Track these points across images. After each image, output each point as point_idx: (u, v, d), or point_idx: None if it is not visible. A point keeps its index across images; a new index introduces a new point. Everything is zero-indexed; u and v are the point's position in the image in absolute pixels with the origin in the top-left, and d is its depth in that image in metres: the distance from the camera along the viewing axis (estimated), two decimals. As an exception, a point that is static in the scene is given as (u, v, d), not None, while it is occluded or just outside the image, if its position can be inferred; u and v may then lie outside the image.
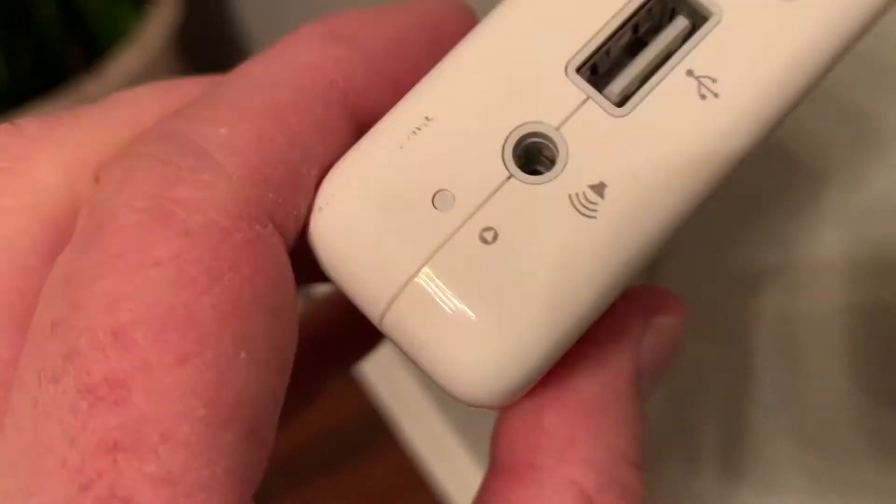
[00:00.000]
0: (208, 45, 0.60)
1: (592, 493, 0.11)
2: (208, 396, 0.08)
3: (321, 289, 0.17)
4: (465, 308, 0.09)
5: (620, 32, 0.10)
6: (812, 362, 0.22)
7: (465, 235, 0.09)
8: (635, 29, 0.10)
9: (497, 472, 0.12)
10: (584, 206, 0.09)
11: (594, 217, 0.09)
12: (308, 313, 0.18)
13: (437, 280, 0.09)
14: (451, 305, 0.09)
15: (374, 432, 0.58)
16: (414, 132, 0.10)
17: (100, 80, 0.43)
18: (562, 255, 0.09)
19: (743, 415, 0.26)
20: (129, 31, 0.46)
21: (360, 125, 0.11)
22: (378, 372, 0.57)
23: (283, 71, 0.10)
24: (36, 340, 0.09)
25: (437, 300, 0.09)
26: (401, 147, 0.10)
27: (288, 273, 0.10)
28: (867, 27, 0.10)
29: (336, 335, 0.18)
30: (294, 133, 0.10)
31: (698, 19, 0.10)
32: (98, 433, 0.08)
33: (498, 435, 0.12)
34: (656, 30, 0.10)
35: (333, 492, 0.56)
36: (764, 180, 0.20)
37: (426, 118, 0.10)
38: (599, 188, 0.09)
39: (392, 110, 0.10)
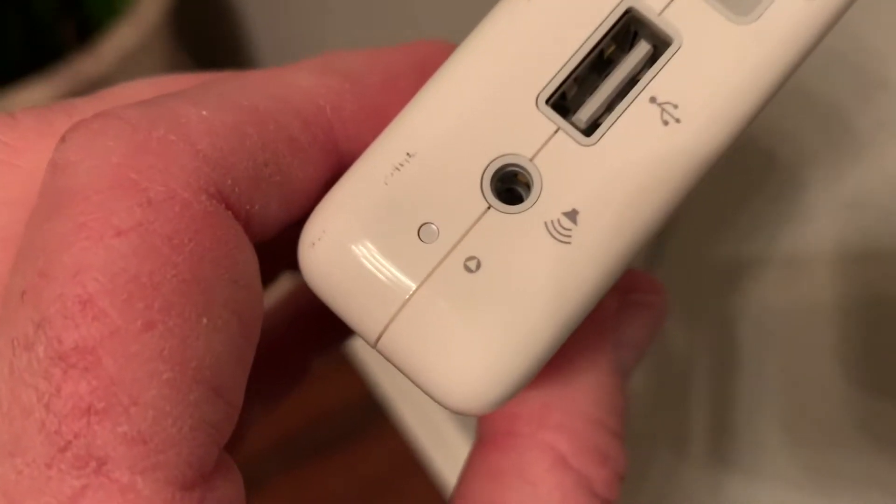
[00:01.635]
0: (202, 23, 0.59)
1: (569, 456, 0.12)
2: (173, 360, 0.09)
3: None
4: (454, 331, 0.10)
5: (587, 61, 0.10)
6: (800, 353, 0.23)
7: (450, 265, 0.10)
8: (601, 52, 0.11)
9: (480, 444, 0.13)
10: (558, 233, 0.10)
11: (568, 242, 0.10)
12: (292, 295, 0.19)
13: (426, 307, 0.10)
14: (441, 330, 0.10)
15: (369, 415, 0.59)
16: (397, 168, 0.10)
17: (93, 57, 0.43)
18: (540, 279, 0.10)
19: (731, 404, 0.27)
20: (123, 7, 0.45)
21: (347, 153, 0.11)
22: (373, 355, 0.58)
23: (275, 87, 0.11)
24: (8, 309, 0.09)
25: (428, 325, 0.10)
26: (385, 183, 0.10)
27: (247, 247, 0.10)
28: (818, 42, 0.11)
29: (321, 316, 0.19)
30: (268, 138, 0.10)
31: (659, 43, 0.11)
32: (72, 398, 0.08)
33: None
34: (620, 50, 0.11)
35: (328, 474, 0.57)
36: (746, 178, 0.21)
37: (407, 154, 0.10)
38: (572, 215, 0.10)
39: (374, 144, 0.11)
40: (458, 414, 0.11)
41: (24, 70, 0.42)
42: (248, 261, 0.10)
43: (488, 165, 0.10)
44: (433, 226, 0.10)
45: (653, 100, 0.10)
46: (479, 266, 0.10)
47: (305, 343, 0.19)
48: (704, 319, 0.25)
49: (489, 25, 0.11)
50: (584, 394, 0.12)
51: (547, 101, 0.10)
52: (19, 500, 0.08)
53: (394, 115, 0.11)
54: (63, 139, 0.10)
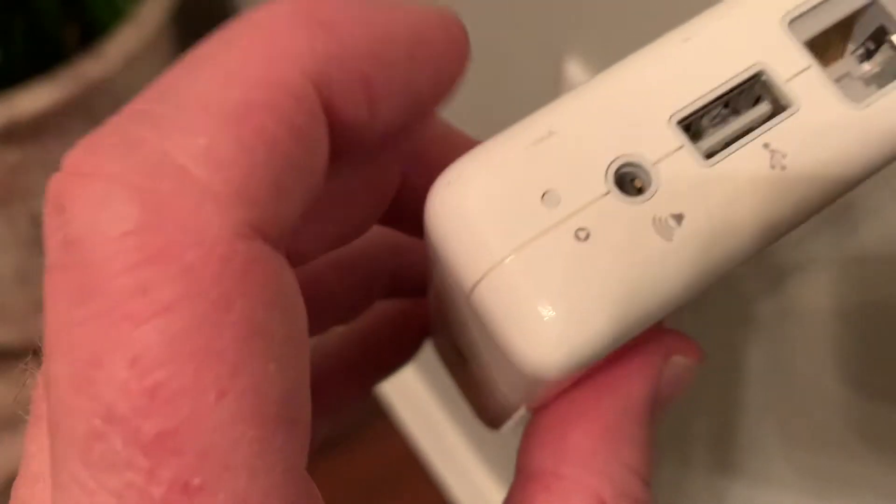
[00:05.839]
0: (205, 25, 0.60)
1: (608, 501, 0.13)
2: (253, 419, 0.09)
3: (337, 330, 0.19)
4: (547, 291, 0.11)
5: (716, 104, 0.12)
6: (801, 360, 0.24)
7: (563, 230, 0.11)
8: (726, 104, 0.13)
9: (524, 479, 0.14)
10: (663, 229, 0.11)
11: (670, 240, 0.11)
12: (326, 344, 0.20)
13: (529, 263, 0.11)
14: (537, 287, 0.11)
15: (369, 416, 0.59)
16: (538, 140, 0.12)
17: (97, 60, 0.42)
18: (637, 264, 0.11)
19: (734, 413, 0.27)
20: (127, 10, 0.45)
21: (334, 122, 0.10)
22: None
23: (255, 59, 0.10)
24: (62, 405, 0.09)
25: (525, 281, 0.11)
26: (525, 149, 0.12)
27: (287, 273, 0.10)
28: None
29: (352, 366, 0.20)
30: (271, 139, 0.09)
31: (778, 107, 0.12)
32: (167, 481, 0.08)
33: (527, 445, 0.14)
34: (745, 102, 0.13)
35: (327, 475, 0.56)
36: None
37: (550, 131, 0.12)
38: (678, 217, 0.11)
39: (525, 119, 0.12)
40: (530, 375, 0.12)
41: (28, 73, 0.42)
42: (290, 283, 0.10)
43: (617, 158, 0.12)
44: (557, 194, 0.12)
45: (766, 145, 0.12)
46: (587, 237, 0.11)
47: (339, 389, 0.20)
48: (706, 330, 0.26)
49: (645, 52, 0.12)
50: (626, 444, 0.14)
51: (678, 122, 0.12)
52: None
53: (377, 86, 0.10)
54: (61, 208, 0.09)
